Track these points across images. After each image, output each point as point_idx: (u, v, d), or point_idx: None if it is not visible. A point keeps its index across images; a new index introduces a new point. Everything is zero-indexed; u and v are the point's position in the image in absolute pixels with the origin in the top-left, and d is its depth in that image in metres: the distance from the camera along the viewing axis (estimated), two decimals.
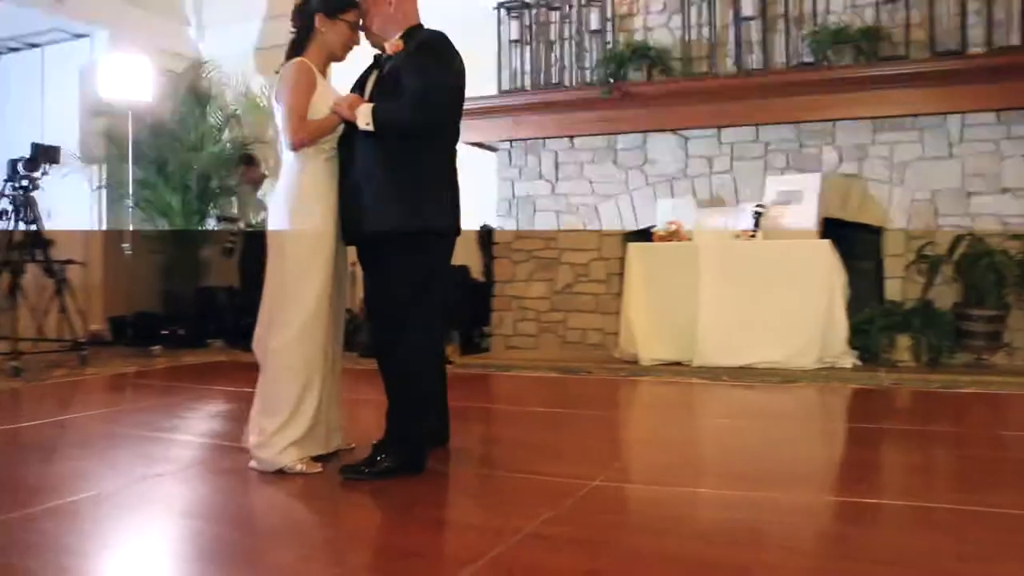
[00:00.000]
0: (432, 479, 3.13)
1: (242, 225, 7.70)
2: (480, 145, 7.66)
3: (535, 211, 7.40)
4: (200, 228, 8.35)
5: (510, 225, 7.43)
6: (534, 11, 7.26)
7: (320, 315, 3.18)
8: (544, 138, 7.28)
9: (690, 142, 6.96)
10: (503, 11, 7.27)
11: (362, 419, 3.95)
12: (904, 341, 5.99)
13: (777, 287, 6.00)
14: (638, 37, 7.03)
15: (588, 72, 7.15)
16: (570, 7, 7.18)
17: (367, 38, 3.38)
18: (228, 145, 8.51)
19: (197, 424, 4.49)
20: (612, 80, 6.81)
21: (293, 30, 3.33)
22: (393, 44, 3.25)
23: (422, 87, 3.08)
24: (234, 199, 8.29)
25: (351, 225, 3.23)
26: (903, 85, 6.19)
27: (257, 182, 7.93)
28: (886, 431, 4.30)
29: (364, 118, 3.09)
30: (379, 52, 3.36)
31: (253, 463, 3.21)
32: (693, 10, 6.89)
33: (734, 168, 6.86)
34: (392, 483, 3.02)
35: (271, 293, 3.24)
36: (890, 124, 6.40)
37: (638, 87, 6.80)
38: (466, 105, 6.39)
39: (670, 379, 5.83)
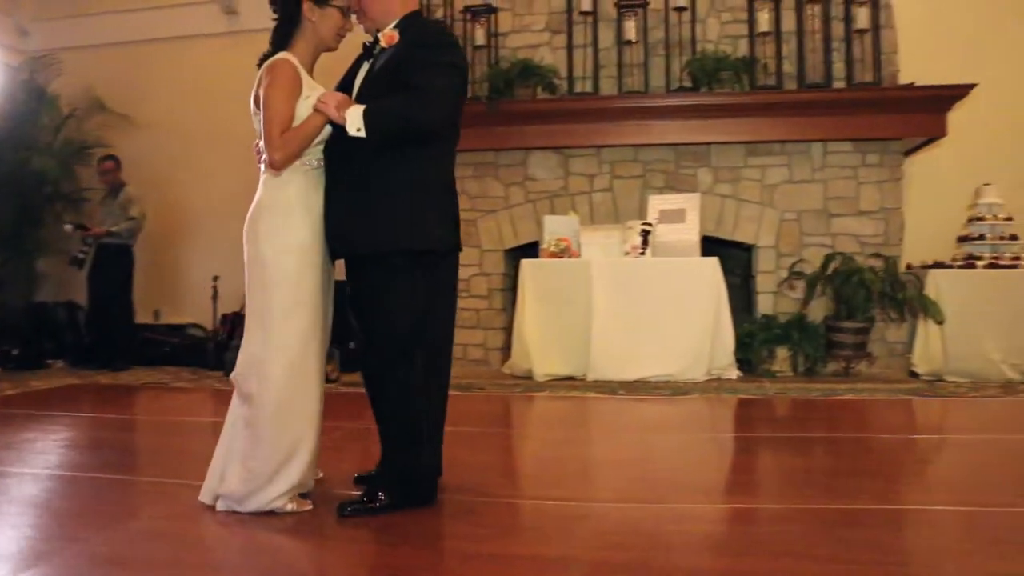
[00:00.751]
0: (432, 510, 2.93)
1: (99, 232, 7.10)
2: None
3: None
4: (36, 236, 7.58)
5: None
6: None
7: (312, 344, 2.87)
8: None
9: (571, 160, 7.09)
10: None
11: None
12: (783, 352, 6.38)
13: (667, 303, 6.20)
14: (521, 55, 7.07)
15: (472, 87, 7.11)
16: (453, 20, 7.12)
17: (361, 22, 3.02)
18: (67, 147, 7.79)
19: (110, 458, 4.03)
20: (497, 96, 6.81)
21: (275, 18, 2.95)
22: (387, 35, 2.91)
23: (426, 87, 2.75)
24: (81, 204, 7.61)
25: (342, 242, 2.91)
26: (774, 113, 6.62)
27: (118, 186, 7.31)
28: (779, 439, 4.52)
29: (354, 122, 2.72)
30: (370, 41, 3.01)
31: (230, 505, 2.86)
32: (577, 30, 7.03)
33: (613, 186, 7.05)
34: (395, 518, 2.81)
35: (255, 322, 2.86)
36: (761, 149, 6.81)
37: (523, 104, 6.85)
38: None
39: (567, 394, 5.86)
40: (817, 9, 6.70)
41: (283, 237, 2.83)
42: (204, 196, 8.53)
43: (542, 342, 6.35)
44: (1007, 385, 6.09)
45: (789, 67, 6.73)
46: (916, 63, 6.67)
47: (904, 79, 6.63)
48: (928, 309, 6.24)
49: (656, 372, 6.17)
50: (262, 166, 2.93)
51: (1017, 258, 6.50)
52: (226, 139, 8.45)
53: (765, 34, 6.69)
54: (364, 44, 3.06)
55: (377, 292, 2.89)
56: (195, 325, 8.33)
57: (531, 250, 7.00)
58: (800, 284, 6.63)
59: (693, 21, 6.85)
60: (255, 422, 2.83)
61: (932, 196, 6.99)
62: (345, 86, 3.03)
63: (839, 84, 6.66)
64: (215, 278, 7.54)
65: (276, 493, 2.81)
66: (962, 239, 6.78)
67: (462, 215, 7.04)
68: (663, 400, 5.58)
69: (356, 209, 2.87)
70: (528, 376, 6.37)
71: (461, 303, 6.96)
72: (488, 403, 5.67)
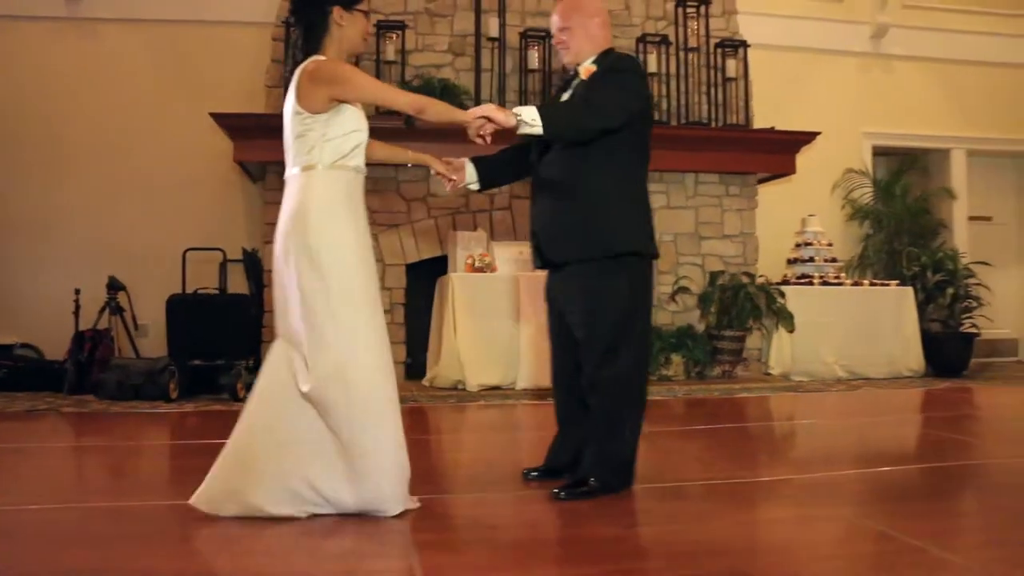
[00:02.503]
0: (642, 496, 3.20)
1: None
2: (242, 167, 7.15)
3: None
4: None
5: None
6: None
7: (374, 336, 2.85)
8: None
9: None
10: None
11: None
12: (677, 359, 7.14)
13: None
14: (424, 74, 7.22)
15: None
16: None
17: (562, 57, 3.34)
18: None
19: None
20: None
21: (294, 23, 2.99)
22: (586, 68, 3.23)
23: (591, 100, 3.09)
24: None
25: (555, 247, 3.22)
26: (658, 146, 7.35)
27: None
28: (711, 430, 5.13)
29: (529, 114, 2.94)
30: (570, 73, 3.34)
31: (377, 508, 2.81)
32: (485, 54, 7.32)
33: (512, 205, 7.42)
34: (609, 501, 3.06)
35: (317, 325, 2.80)
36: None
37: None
38: (241, 122, 6.67)
39: (505, 402, 6.08)
40: (693, 57, 7.63)
41: (333, 234, 2.82)
42: (23, 201, 7.57)
43: (474, 353, 6.54)
44: (848, 383, 7.36)
45: (667, 105, 7.59)
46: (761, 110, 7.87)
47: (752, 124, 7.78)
48: (786, 319, 7.35)
49: None
50: (296, 170, 2.91)
51: (838, 277, 7.86)
52: (58, 138, 7.61)
53: (651, 75, 7.48)
54: (563, 76, 3.42)
55: (591, 293, 3.15)
56: (26, 345, 7.35)
57: (434, 265, 7.17)
58: (681, 298, 7.47)
59: None
60: (350, 424, 2.79)
61: (763, 223, 8.17)
62: None
63: (713, 125, 7.62)
64: (77, 291, 6.78)
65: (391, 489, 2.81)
66: (792, 261, 8.04)
67: None
68: None
69: (567, 217, 3.17)
70: (455, 387, 6.52)
71: None
72: (448, 412, 5.77)
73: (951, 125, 9.11)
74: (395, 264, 7.22)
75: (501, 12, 7.24)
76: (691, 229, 7.68)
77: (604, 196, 3.16)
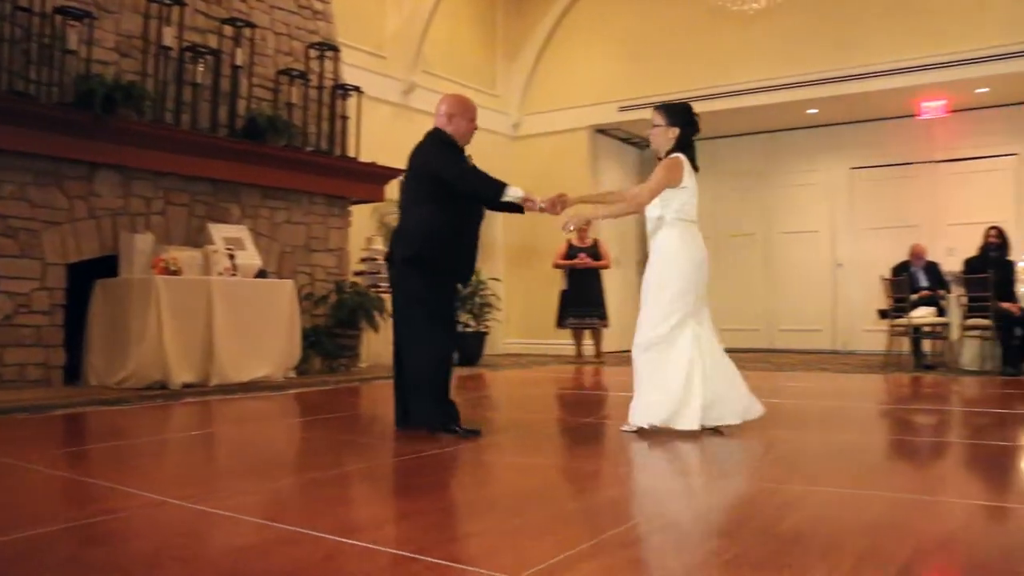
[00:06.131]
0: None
1: None
2: None
3: None
4: None
5: None
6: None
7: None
8: None
9: (133, 182, 7.33)
10: None
11: None
12: (314, 355, 8.25)
13: (260, 315, 7.43)
14: (96, 69, 6.98)
15: (58, 91, 6.68)
16: (43, 19, 6.56)
17: None
18: None
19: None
20: (102, 110, 6.70)
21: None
22: None
23: None
24: None
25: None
26: (287, 167, 8.41)
27: None
28: None
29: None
30: None
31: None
32: (150, 60, 7.36)
33: (167, 210, 7.60)
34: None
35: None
36: (276, 194, 8.45)
37: (119, 123, 6.91)
38: None
39: (210, 398, 6.45)
40: (318, 93, 8.79)
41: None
42: None
43: (176, 353, 6.77)
44: None
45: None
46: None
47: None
48: (373, 322, 9.02)
49: (259, 373, 7.36)
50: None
51: None
52: None
53: (290, 105, 8.43)
54: None
55: None
56: None
57: (96, 266, 7.04)
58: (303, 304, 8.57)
59: (249, 77, 8.11)
60: None
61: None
62: None
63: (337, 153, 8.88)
64: None
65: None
66: (358, 273, 9.71)
67: (22, 224, 6.78)
68: (278, 396, 7.02)
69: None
70: (153, 386, 6.66)
71: (21, 319, 6.66)
72: (198, 408, 6.10)
73: None
74: (56, 264, 6.85)
75: (179, 24, 7.48)
76: (304, 242, 8.82)
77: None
